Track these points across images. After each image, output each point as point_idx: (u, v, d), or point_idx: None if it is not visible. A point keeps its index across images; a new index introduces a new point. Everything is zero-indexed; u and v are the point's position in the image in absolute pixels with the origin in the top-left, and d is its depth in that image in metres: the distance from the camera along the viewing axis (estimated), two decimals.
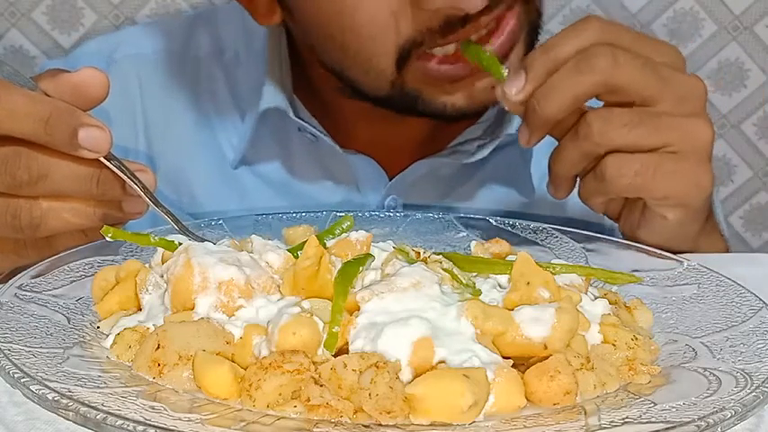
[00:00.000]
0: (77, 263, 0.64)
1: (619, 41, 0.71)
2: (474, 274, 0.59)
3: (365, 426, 0.45)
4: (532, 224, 0.78)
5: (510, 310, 0.52)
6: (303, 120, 0.91)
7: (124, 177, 0.64)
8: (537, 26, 0.85)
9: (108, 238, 0.62)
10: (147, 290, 0.57)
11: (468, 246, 0.68)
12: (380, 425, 0.45)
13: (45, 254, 0.65)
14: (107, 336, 0.54)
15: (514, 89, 0.71)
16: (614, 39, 0.71)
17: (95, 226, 0.64)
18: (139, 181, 0.64)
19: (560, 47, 0.71)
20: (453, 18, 0.76)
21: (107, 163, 0.63)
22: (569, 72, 0.70)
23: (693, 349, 0.55)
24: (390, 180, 0.95)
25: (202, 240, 0.63)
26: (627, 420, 0.44)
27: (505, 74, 0.75)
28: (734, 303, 0.60)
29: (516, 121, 0.92)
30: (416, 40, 0.78)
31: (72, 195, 0.63)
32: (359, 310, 0.51)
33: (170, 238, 0.61)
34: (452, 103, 0.83)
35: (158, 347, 0.50)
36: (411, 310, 0.50)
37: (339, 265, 0.54)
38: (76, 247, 0.65)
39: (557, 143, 0.76)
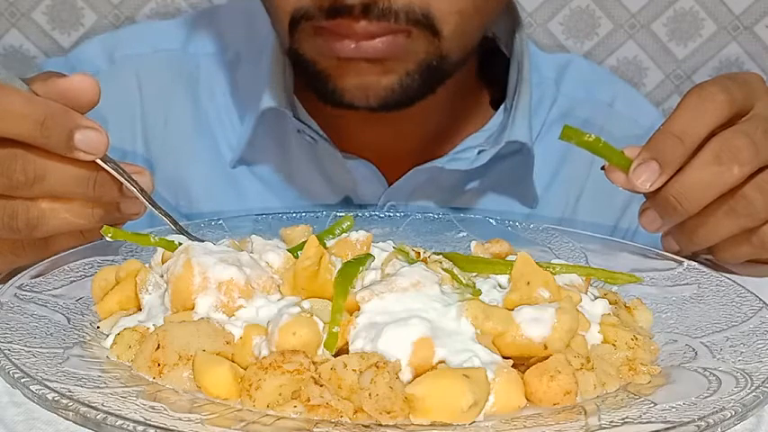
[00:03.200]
0: (77, 263, 0.64)
1: (744, 109, 0.69)
2: (474, 274, 0.59)
3: (365, 426, 0.45)
4: (532, 224, 0.78)
5: (510, 310, 0.52)
6: (303, 121, 0.91)
7: (121, 179, 0.64)
8: (434, 67, 0.81)
9: (108, 238, 0.62)
10: (147, 290, 0.57)
11: (468, 246, 0.68)
12: (380, 425, 0.45)
13: (42, 254, 0.64)
14: (107, 336, 0.54)
15: (647, 181, 0.67)
16: (740, 109, 0.69)
17: (93, 227, 0.64)
18: (136, 183, 0.64)
19: (690, 131, 0.67)
20: (339, 4, 0.75)
21: (104, 165, 0.63)
22: (710, 165, 0.66)
23: (693, 349, 0.55)
24: (389, 186, 0.95)
25: (201, 241, 0.63)
26: (627, 420, 0.44)
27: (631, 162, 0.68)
28: (734, 303, 0.60)
29: (519, 128, 0.92)
30: (308, 13, 0.78)
31: (69, 197, 0.63)
32: (359, 310, 0.51)
33: (170, 238, 0.61)
34: (342, 93, 0.81)
35: (158, 347, 0.50)
36: (411, 310, 0.50)
37: (339, 265, 0.54)
38: (74, 247, 0.65)
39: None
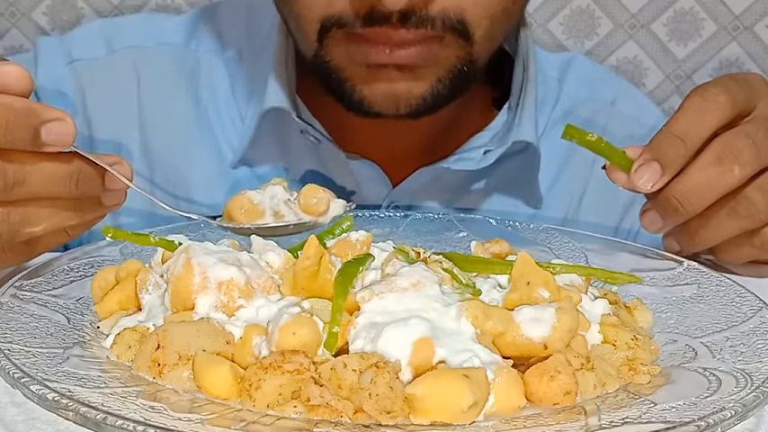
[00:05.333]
0: (77, 263, 0.64)
1: (746, 110, 0.69)
2: (474, 274, 0.59)
3: (365, 426, 0.45)
4: (532, 224, 0.78)
5: (510, 310, 0.52)
6: (306, 122, 0.91)
7: (104, 166, 0.62)
8: (464, 72, 0.80)
9: (108, 238, 0.62)
10: (147, 290, 0.57)
11: (468, 246, 0.68)
12: (380, 425, 0.45)
13: (25, 257, 0.63)
14: (107, 336, 0.54)
15: (648, 182, 0.67)
16: (742, 110, 0.69)
17: (76, 223, 0.63)
18: (117, 172, 0.63)
19: (692, 132, 0.67)
20: (377, 12, 0.74)
21: (83, 152, 0.61)
22: (711, 166, 0.66)
23: (693, 349, 0.55)
24: (394, 187, 0.95)
25: (187, 216, 0.63)
26: (627, 420, 0.44)
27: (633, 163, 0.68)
28: (734, 303, 0.60)
29: (525, 127, 0.91)
30: (341, 20, 0.77)
31: (51, 197, 0.61)
32: (359, 310, 0.51)
33: (170, 238, 0.61)
34: (370, 102, 0.81)
35: (158, 347, 0.50)
36: (411, 310, 0.50)
37: (339, 265, 0.54)
38: (58, 247, 0.63)
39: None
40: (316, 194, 0.66)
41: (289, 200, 0.66)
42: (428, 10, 0.75)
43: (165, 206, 0.66)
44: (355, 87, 0.81)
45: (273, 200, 0.66)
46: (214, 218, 0.67)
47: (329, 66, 0.81)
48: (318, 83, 0.85)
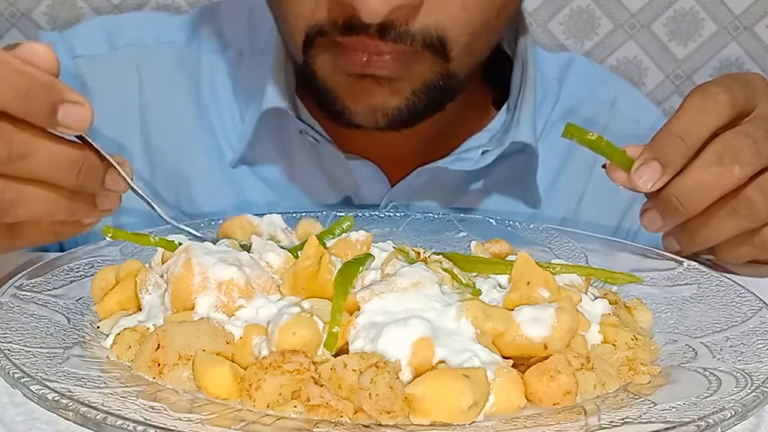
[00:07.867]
0: (77, 263, 0.64)
1: (746, 110, 0.69)
2: (474, 274, 0.59)
3: (365, 426, 0.45)
4: (532, 224, 0.78)
5: (510, 310, 0.52)
6: (305, 122, 0.91)
7: (108, 158, 0.61)
8: (440, 87, 0.80)
9: (108, 238, 0.62)
10: (147, 290, 0.57)
11: (468, 246, 0.68)
12: (380, 425, 0.45)
13: (6, 245, 0.62)
14: (107, 336, 0.55)
15: (648, 181, 0.67)
16: (742, 109, 0.69)
17: (67, 223, 0.63)
18: (121, 169, 0.62)
19: (693, 132, 0.67)
20: (356, 21, 0.74)
21: (91, 141, 0.60)
22: (711, 166, 0.66)
23: (693, 349, 0.55)
24: (392, 186, 0.95)
25: (181, 229, 0.64)
26: (627, 420, 0.44)
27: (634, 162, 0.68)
28: (734, 303, 0.60)
29: (523, 128, 0.92)
30: (323, 29, 0.77)
31: (50, 181, 0.60)
32: (359, 310, 0.51)
33: (170, 238, 0.61)
34: (351, 113, 0.81)
35: (158, 347, 0.50)
36: (411, 310, 0.50)
37: (339, 265, 0.54)
38: (39, 243, 0.63)
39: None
40: (312, 227, 0.69)
41: (287, 228, 0.68)
42: (408, 26, 0.75)
43: (162, 216, 0.66)
44: (338, 98, 0.81)
45: (271, 226, 0.67)
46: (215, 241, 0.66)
47: (315, 75, 0.82)
48: (307, 91, 0.85)
